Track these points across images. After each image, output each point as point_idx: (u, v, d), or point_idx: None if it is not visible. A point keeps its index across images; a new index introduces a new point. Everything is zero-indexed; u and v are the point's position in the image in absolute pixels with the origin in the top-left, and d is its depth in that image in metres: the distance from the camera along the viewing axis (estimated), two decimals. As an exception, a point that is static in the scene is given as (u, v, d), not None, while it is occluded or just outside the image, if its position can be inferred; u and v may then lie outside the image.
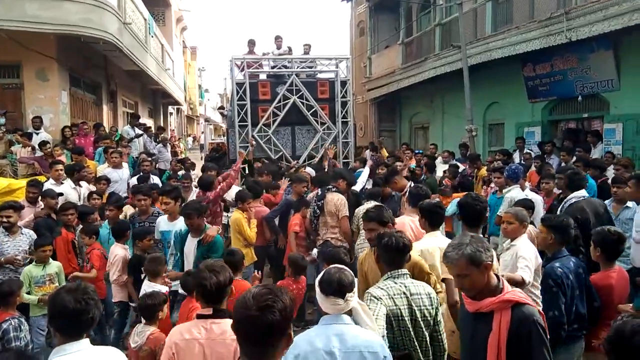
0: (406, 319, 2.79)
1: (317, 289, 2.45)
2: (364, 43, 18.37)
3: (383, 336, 2.61)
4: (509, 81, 11.32)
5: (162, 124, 18.99)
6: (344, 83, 10.23)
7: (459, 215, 3.87)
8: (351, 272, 2.54)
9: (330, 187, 6.00)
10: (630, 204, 4.99)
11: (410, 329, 2.80)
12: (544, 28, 8.87)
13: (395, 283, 2.87)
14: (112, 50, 10.84)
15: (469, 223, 3.59)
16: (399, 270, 2.93)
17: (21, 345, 3.32)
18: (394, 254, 2.95)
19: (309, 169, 8.26)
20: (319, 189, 6.13)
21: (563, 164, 7.74)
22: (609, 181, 6.00)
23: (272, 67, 10.33)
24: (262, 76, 10.57)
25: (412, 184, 5.64)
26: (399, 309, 2.79)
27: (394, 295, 2.82)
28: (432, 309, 2.86)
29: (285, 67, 10.16)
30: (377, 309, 2.71)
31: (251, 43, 11.35)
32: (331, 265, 2.65)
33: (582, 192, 4.93)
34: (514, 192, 5.85)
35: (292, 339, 1.73)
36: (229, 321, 2.44)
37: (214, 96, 49.02)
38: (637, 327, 1.76)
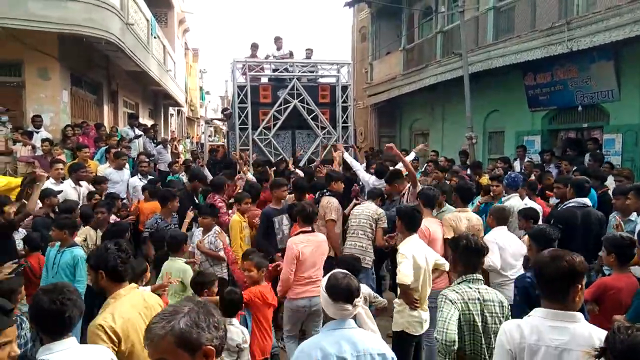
0: (479, 325, 2.74)
1: (325, 294, 2.44)
2: (365, 49, 18.43)
3: (453, 341, 2.59)
4: (510, 90, 11.36)
5: (162, 125, 18.94)
6: (345, 88, 10.25)
7: (455, 194, 5.24)
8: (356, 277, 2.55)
9: (324, 191, 5.99)
10: (632, 216, 4.94)
11: (482, 336, 2.76)
12: (545, 37, 8.91)
13: (470, 288, 2.83)
14: (114, 50, 10.83)
15: (464, 200, 5.06)
16: (475, 274, 2.89)
17: (21, 344, 3.30)
18: (473, 255, 2.93)
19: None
20: (317, 193, 6.12)
21: (565, 173, 7.73)
22: (610, 192, 5.97)
23: (274, 71, 10.35)
24: (264, 79, 10.59)
25: (425, 186, 5.54)
26: (472, 314, 2.74)
27: (469, 300, 2.78)
28: (503, 317, 2.81)
29: (287, 70, 10.18)
30: (450, 312, 2.68)
31: (254, 46, 11.40)
32: (336, 270, 2.64)
33: (584, 200, 4.99)
34: (513, 201, 5.81)
35: (583, 290, 2.12)
36: (318, 233, 4.68)
37: (215, 98, 49.05)
38: None
